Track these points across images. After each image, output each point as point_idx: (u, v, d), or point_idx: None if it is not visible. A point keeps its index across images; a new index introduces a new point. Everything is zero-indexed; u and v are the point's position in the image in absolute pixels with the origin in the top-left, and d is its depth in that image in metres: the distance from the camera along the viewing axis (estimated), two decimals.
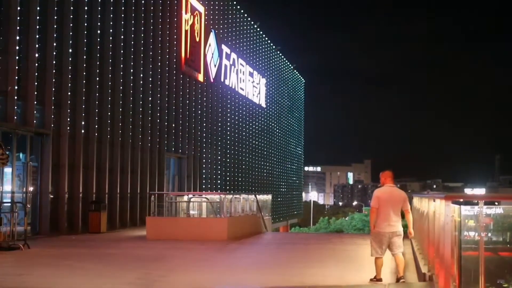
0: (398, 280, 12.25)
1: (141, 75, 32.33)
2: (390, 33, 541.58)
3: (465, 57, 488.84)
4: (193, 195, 29.69)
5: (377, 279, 12.35)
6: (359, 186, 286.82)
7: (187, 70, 38.63)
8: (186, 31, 38.34)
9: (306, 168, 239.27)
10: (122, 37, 30.37)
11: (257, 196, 30.22)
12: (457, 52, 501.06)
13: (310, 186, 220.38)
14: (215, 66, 44.02)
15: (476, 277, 8.05)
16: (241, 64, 50.98)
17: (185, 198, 27.01)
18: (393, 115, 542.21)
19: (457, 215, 8.27)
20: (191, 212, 25.87)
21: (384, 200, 12.13)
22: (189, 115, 38.84)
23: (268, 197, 34.63)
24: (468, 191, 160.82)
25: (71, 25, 25.91)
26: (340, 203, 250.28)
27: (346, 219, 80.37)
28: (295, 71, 76.03)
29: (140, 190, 31.81)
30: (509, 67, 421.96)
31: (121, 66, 30.29)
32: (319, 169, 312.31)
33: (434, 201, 11.07)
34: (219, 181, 44.48)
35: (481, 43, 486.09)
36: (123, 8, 30.52)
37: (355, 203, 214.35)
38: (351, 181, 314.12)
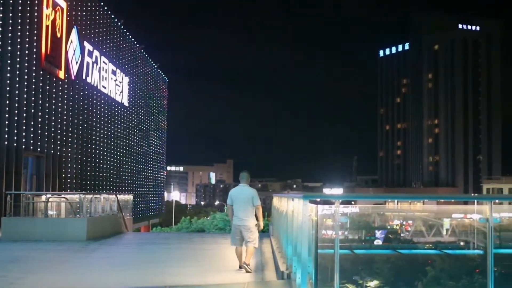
0: (242, 266, 14.00)
1: None
2: (254, 34, 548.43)
3: (329, 59, 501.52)
4: (52, 195, 29.00)
5: (240, 266, 14.15)
6: (221, 186, 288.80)
7: (48, 66, 37.61)
8: (47, 27, 37.31)
9: (168, 168, 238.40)
10: None
11: (118, 196, 29.89)
12: (320, 54, 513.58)
13: (172, 186, 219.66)
14: (76, 63, 43.09)
15: (333, 274, 8.30)
16: (104, 61, 50.16)
17: (43, 198, 26.34)
18: (256, 116, 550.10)
19: (314, 214, 8.52)
20: (50, 212, 25.27)
21: (235, 198, 14.17)
22: (49, 112, 37.83)
23: (129, 197, 34.33)
24: (326, 190, 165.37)
25: None
26: (202, 203, 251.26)
27: (208, 218, 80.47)
28: (158, 70, 75.63)
29: None
30: (370, 68, 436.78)
31: None
32: (181, 168, 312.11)
33: (292, 200, 11.35)
34: (79, 181, 43.58)
35: (347, 45, 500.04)
36: None
37: (217, 202, 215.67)
38: (213, 181, 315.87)
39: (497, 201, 8.80)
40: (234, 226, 14.21)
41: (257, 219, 14.20)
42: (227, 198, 14.48)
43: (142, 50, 65.95)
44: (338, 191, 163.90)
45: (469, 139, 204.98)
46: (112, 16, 52.93)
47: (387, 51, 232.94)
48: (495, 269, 8.49)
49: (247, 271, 13.81)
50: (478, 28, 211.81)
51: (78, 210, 24.86)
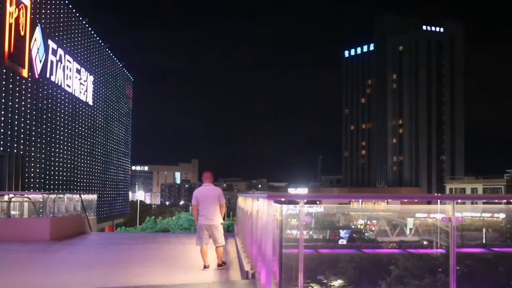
0: (219, 265, 14.24)
1: None
2: (219, 34, 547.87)
3: (294, 59, 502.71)
4: (15, 194, 28.68)
5: (204, 266, 14.18)
6: (186, 186, 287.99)
7: (11, 65, 37.21)
8: (10, 25, 36.92)
9: (133, 167, 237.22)
10: None
11: (81, 195, 29.67)
12: (286, 53, 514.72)
13: (137, 186, 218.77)
14: (40, 61, 42.69)
15: (297, 274, 8.33)
16: (68, 60, 49.75)
17: (6, 198, 26.04)
18: (222, 116, 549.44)
19: (279, 214, 8.54)
20: (12, 212, 24.98)
21: (200, 198, 14.24)
22: (12, 111, 37.42)
23: (93, 196, 34.09)
24: (291, 190, 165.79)
25: None
26: (167, 203, 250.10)
27: (173, 218, 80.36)
28: (123, 69, 75.22)
29: None
30: (332, 68, 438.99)
31: None
32: (146, 168, 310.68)
33: (257, 200, 11.37)
34: (42, 180, 43.17)
35: (313, 45, 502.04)
36: None
37: (182, 202, 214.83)
38: (178, 181, 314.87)
39: (459, 200, 8.90)
40: (200, 226, 14.16)
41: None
42: (192, 199, 14.53)
43: (107, 49, 65.55)
44: (303, 191, 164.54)
45: (432, 140, 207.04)
46: (77, 14, 52.53)
47: (352, 52, 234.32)
48: (458, 268, 8.58)
49: (222, 269, 14.18)
50: (441, 29, 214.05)
51: (41, 210, 24.62)
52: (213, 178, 14.63)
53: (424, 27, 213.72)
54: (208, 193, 14.23)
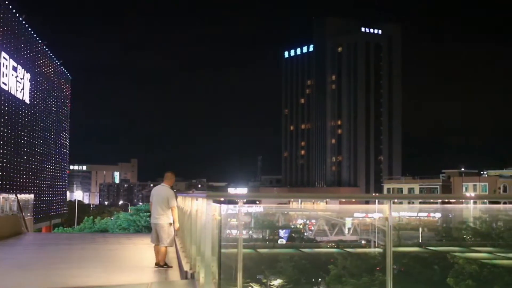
0: (156, 264, 14.52)
1: None
2: (160, 33, 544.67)
3: (235, 59, 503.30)
4: None
5: (155, 263, 14.55)
6: (125, 185, 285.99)
7: None
8: None
9: (71, 167, 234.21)
10: None
11: (18, 195, 29.17)
12: (227, 53, 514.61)
13: (75, 185, 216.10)
14: None
15: (237, 273, 8.35)
16: (4, 57, 48.80)
17: None
18: (162, 115, 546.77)
19: (218, 213, 8.55)
20: None
21: (152, 196, 14.72)
22: None
23: (30, 196, 33.56)
24: (231, 190, 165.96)
25: None
26: (106, 203, 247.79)
27: (112, 218, 79.63)
28: (62, 67, 74.16)
29: None
30: (272, 68, 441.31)
31: None
32: (85, 167, 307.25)
33: (196, 200, 11.36)
34: None
35: (254, 45, 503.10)
36: None
37: (121, 202, 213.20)
38: (117, 180, 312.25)
39: (396, 200, 9.03)
40: (152, 225, 14.75)
41: (173, 220, 14.51)
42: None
43: (44, 47, 64.54)
44: (242, 190, 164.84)
45: (370, 140, 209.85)
46: (14, 11, 51.58)
47: (292, 53, 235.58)
48: (394, 266, 8.72)
49: (161, 269, 14.32)
50: (380, 31, 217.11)
51: None
52: (173, 179, 14.87)
53: (363, 29, 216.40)
54: (158, 193, 14.57)
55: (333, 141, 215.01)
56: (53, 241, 25.55)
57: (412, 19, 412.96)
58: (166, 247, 14.39)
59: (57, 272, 14.51)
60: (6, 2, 49.11)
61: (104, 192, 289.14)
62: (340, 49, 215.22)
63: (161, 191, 14.56)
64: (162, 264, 14.42)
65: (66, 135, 79.41)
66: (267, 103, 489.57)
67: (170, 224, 14.41)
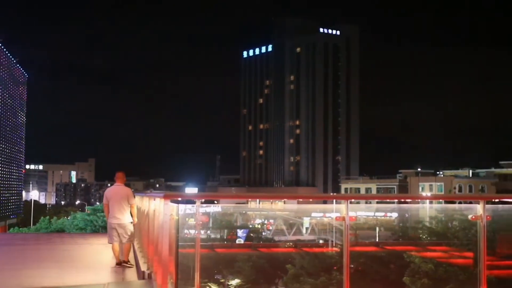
0: (121, 263, 14.61)
1: None
2: (117, 32, 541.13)
3: (193, 58, 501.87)
4: None
5: (116, 263, 14.64)
6: (83, 185, 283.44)
7: None
8: None
9: (27, 167, 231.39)
10: None
11: None
12: (185, 52, 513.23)
13: (31, 185, 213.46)
14: None
15: (194, 273, 8.35)
16: None
17: None
18: (120, 115, 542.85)
19: (175, 213, 8.53)
20: None
21: (111, 197, 14.78)
22: None
23: None
24: (188, 190, 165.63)
25: None
26: (63, 202, 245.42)
27: (68, 218, 78.86)
28: (18, 65, 73.21)
29: None
30: (231, 68, 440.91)
31: None
32: (41, 167, 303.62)
33: (154, 200, 11.32)
34: None
35: (212, 45, 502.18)
36: None
37: (78, 202, 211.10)
38: (74, 180, 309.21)
39: (353, 200, 9.12)
40: (110, 224, 14.77)
41: (132, 216, 14.80)
42: (103, 198, 15.17)
43: (0, 44, 63.67)
44: (193, 190, 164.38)
45: (328, 140, 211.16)
46: None
47: (251, 53, 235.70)
48: (351, 266, 8.78)
49: (128, 267, 14.39)
50: (338, 32, 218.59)
51: None
52: (125, 179, 15.18)
53: (321, 30, 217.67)
54: (117, 193, 14.79)
55: (291, 141, 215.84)
56: (8, 241, 25.22)
57: (370, 19, 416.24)
58: (130, 243, 14.73)
59: (11, 273, 14.32)
60: None
61: (60, 192, 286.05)
62: (298, 49, 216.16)
63: (119, 190, 14.82)
64: (127, 261, 14.61)
65: (21, 134, 78.48)
66: (226, 103, 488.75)
67: (131, 222, 14.72)
